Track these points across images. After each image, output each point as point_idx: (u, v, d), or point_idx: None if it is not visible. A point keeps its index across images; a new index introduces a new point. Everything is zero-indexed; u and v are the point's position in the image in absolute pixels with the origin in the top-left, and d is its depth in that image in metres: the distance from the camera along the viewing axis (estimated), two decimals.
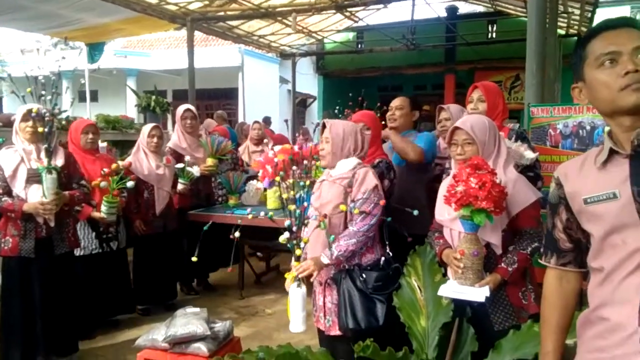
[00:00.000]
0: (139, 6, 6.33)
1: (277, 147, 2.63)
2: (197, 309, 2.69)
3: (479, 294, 1.92)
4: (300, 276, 2.24)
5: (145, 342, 2.57)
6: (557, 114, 2.82)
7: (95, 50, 8.17)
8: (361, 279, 2.25)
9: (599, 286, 1.19)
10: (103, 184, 3.40)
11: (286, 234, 2.28)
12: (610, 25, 1.19)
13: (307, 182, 2.40)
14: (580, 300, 1.37)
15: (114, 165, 3.52)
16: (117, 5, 6.06)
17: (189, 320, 2.52)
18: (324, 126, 2.44)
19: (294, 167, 2.41)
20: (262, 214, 2.41)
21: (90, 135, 3.68)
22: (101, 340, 3.65)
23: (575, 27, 8.75)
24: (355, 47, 11.86)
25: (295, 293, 2.28)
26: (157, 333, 2.55)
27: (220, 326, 2.63)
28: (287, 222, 2.29)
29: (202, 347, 2.45)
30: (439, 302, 2.05)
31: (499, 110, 2.64)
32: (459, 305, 2.02)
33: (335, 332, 2.32)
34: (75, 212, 3.36)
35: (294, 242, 2.29)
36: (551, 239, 1.36)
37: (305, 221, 2.39)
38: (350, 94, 5.17)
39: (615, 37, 1.16)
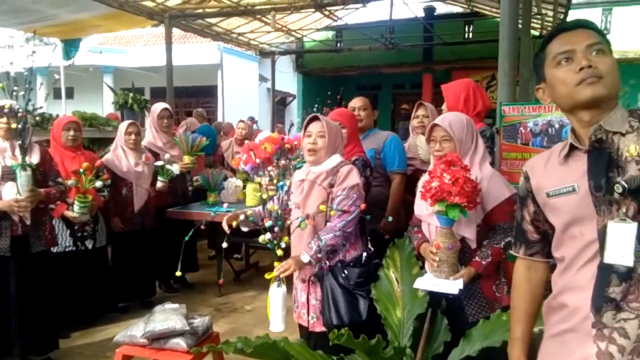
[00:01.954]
0: (115, 2, 6.25)
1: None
2: (176, 305, 2.69)
3: (453, 286, 1.98)
4: (281, 276, 2.24)
5: (123, 338, 2.56)
6: (528, 113, 2.91)
7: (70, 46, 8.04)
8: (343, 275, 2.28)
9: (561, 275, 1.26)
10: (71, 182, 3.36)
11: (268, 235, 2.27)
12: (565, 27, 1.27)
13: (288, 181, 2.42)
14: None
15: (84, 164, 3.47)
16: (93, 1, 5.98)
17: (167, 316, 2.52)
18: (309, 122, 2.41)
19: (282, 161, 2.42)
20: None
21: (72, 132, 3.65)
22: (78, 338, 3.62)
23: (549, 28, 8.95)
24: (335, 46, 11.90)
25: (276, 293, 2.28)
26: (135, 329, 2.55)
27: (199, 321, 2.64)
28: (268, 223, 2.28)
29: (181, 342, 2.46)
30: (415, 294, 2.11)
31: (460, 107, 2.72)
32: (435, 298, 2.08)
33: (320, 328, 2.33)
34: (50, 210, 3.33)
35: (274, 242, 2.29)
36: (520, 231, 1.42)
37: (288, 222, 2.39)
38: (329, 93, 5.21)
39: (570, 37, 1.24)
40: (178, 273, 2.49)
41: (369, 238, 2.50)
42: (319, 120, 2.38)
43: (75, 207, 3.48)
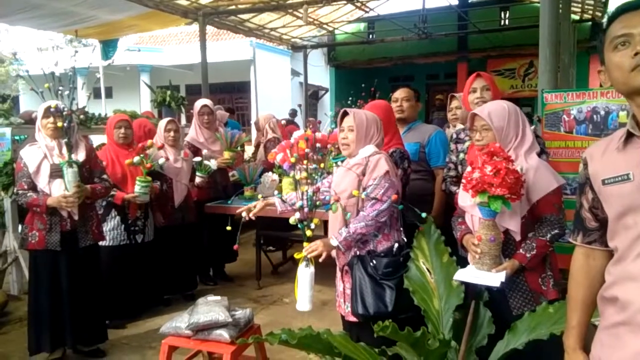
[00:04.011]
0: (151, 2, 6.40)
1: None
2: (218, 297, 2.75)
3: (494, 279, 1.94)
4: (309, 256, 2.27)
5: (169, 329, 2.64)
6: (571, 100, 2.80)
7: (108, 47, 8.27)
8: (371, 264, 2.29)
9: (613, 265, 1.22)
10: (136, 159, 3.63)
11: (297, 215, 2.29)
12: (627, 8, 1.20)
13: (323, 165, 2.43)
14: None
15: (149, 141, 3.73)
16: (129, 2, 6.13)
17: (210, 308, 2.58)
18: (342, 115, 2.45)
19: (309, 152, 2.44)
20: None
21: (123, 130, 3.80)
22: (125, 329, 3.74)
23: (590, 12, 8.62)
24: (367, 37, 11.82)
25: (304, 272, 2.30)
26: (180, 321, 2.62)
27: (240, 313, 2.69)
28: (298, 203, 2.30)
29: (224, 334, 2.52)
30: (450, 283, 2.09)
31: (500, 97, 2.67)
32: (476, 289, 2.05)
33: (352, 318, 2.35)
34: (111, 197, 3.60)
35: (304, 223, 2.31)
36: (578, 218, 1.39)
37: (317, 202, 2.40)
38: (362, 85, 5.17)
39: (629, 20, 1.17)
40: (228, 228, 2.61)
41: (401, 229, 2.47)
42: (349, 115, 2.42)
43: (137, 188, 3.71)
